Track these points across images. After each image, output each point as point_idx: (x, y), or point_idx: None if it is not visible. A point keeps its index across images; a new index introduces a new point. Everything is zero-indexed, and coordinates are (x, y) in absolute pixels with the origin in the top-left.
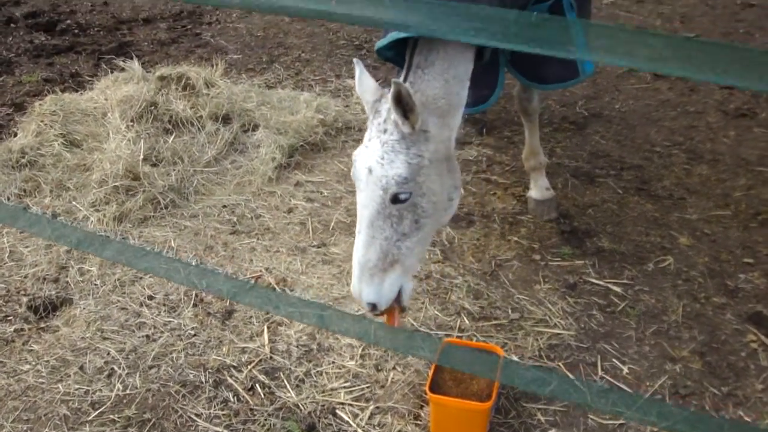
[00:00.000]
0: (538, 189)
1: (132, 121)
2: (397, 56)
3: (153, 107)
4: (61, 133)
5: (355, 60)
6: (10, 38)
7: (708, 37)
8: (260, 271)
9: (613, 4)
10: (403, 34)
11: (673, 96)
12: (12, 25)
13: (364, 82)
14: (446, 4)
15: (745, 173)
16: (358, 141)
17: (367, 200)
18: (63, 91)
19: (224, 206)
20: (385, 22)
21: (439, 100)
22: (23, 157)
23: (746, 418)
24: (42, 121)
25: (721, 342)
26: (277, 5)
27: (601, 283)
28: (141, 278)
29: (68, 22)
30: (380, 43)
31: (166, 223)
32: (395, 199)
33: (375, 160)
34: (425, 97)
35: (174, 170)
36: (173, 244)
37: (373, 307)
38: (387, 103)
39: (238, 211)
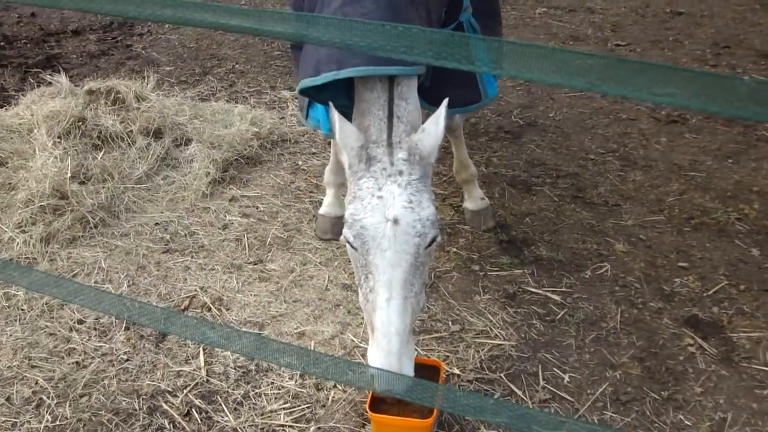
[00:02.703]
0: (473, 200)
1: (59, 137)
2: (323, 92)
3: (81, 123)
4: None
5: (330, 104)
6: None
7: (637, 45)
8: (195, 290)
9: (545, 14)
10: (344, 74)
11: (606, 103)
12: None
13: (345, 129)
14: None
15: (677, 178)
16: (294, 154)
17: (397, 257)
18: None
19: (156, 224)
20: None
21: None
22: None
23: (686, 422)
24: None
25: (659, 347)
26: (207, 21)
27: (540, 291)
28: (70, 301)
29: None
30: (311, 81)
31: (96, 243)
32: (431, 243)
33: (401, 207)
34: (413, 128)
35: (103, 188)
36: (104, 265)
37: None
38: (380, 147)
39: (171, 229)
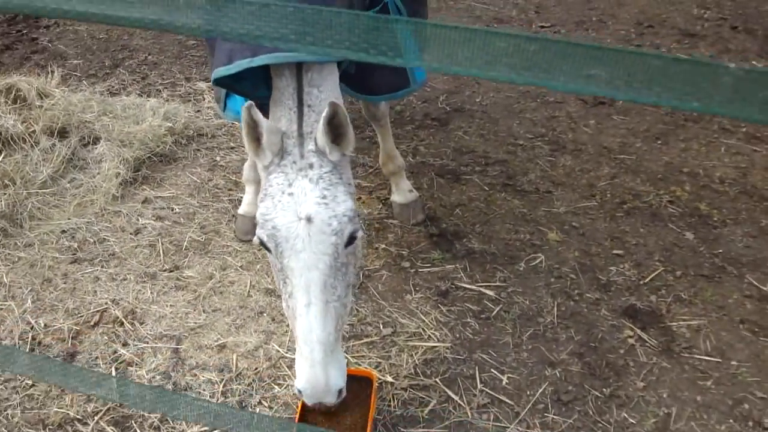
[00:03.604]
0: (401, 192)
1: None
2: (242, 82)
3: None
4: None
5: (250, 103)
6: None
7: (562, 26)
8: (105, 303)
9: None
10: (258, 62)
11: (532, 87)
12: None
13: (267, 126)
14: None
15: (607, 162)
16: (212, 149)
17: (313, 258)
18: None
19: (63, 231)
20: (203, 30)
21: None
22: None
23: (630, 420)
24: None
25: (598, 340)
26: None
27: (473, 287)
28: None
29: None
30: (225, 71)
31: None
32: (350, 241)
33: (314, 204)
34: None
35: (4, 194)
36: (5, 280)
37: (339, 394)
38: (290, 138)
39: (79, 236)
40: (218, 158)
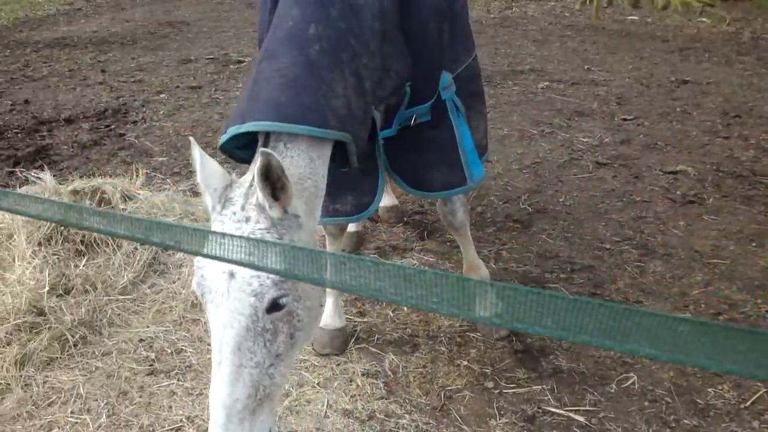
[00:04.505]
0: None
1: (39, 244)
2: (244, 150)
3: (63, 227)
4: None
5: (191, 139)
6: None
7: (645, 118)
8: (180, 421)
9: (548, 88)
10: (244, 129)
11: (617, 185)
12: None
13: (207, 166)
14: None
15: (700, 267)
16: None
17: (230, 316)
18: None
19: (141, 340)
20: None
21: (305, 180)
22: None
23: None
24: None
25: None
26: None
27: (561, 412)
28: None
29: None
30: (222, 139)
31: (75, 365)
32: (273, 306)
33: None
34: (291, 176)
35: (85, 300)
36: (82, 391)
37: None
38: (240, 188)
39: (156, 346)
40: None
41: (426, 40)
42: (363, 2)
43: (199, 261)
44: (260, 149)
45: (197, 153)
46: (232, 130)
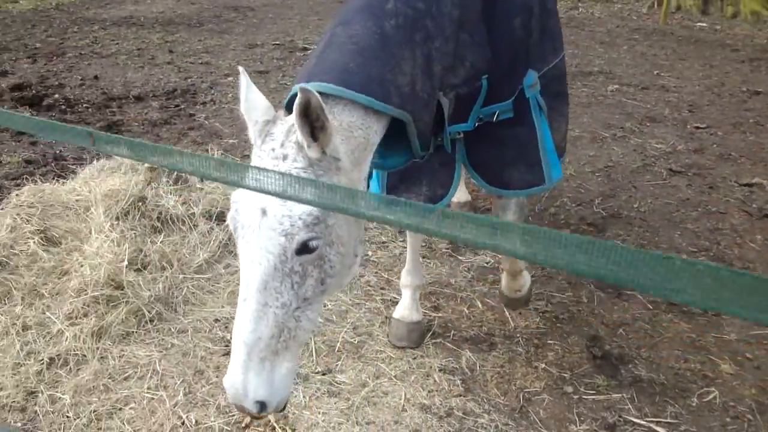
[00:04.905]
0: (509, 289)
1: (117, 218)
2: None
3: (141, 202)
4: (38, 230)
5: (240, 69)
6: None
7: (718, 128)
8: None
9: (618, 91)
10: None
11: (692, 194)
12: None
13: (251, 97)
14: None
15: None
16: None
17: (258, 254)
18: (44, 175)
19: (216, 320)
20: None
21: (356, 129)
22: None
23: None
24: (18, 215)
25: None
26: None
27: (642, 422)
28: (120, 410)
29: (56, 96)
30: (288, 96)
31: (152, 340)
32: (303, 249)
33: (272, 197)
34: (339, 122)
35: (162, 276)
36: (158, 367)
37: (262, 407)
38: (283, 124)
39: (231, 327)
40: (370, 252)
41: (510, 35)
42: None
43: (235, 196)
44: (299, 85)
45: (245, 81)
46: (296, 89)
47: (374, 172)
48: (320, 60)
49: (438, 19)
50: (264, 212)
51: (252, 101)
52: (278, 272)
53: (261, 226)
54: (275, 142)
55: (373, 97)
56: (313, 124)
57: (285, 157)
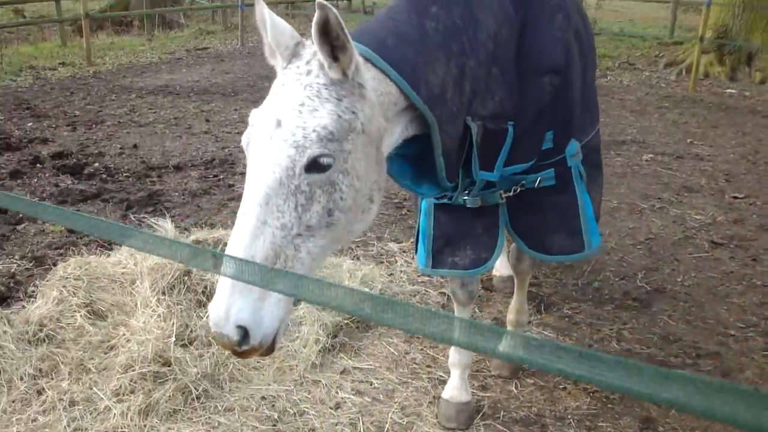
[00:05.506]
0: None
1: (163, 292)
2: None
3: (186, 276)
4: (84, 303)
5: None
6: (35, 180)
7: (757, 197)
8: None
9: (653, 161)
10: None
11: (736, 267)
12: (38, 165)
13: (277, 23)
14: None
15: None
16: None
17: (265, 165)
18: (87, 245)
19: (263, 398)
20: None
21: (384, 96)
22: (41, 330)
23: None
24: (65, 287)
25: None
26: None
27: None
28: None
29: (96, 165)
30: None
31: (198, 418)
32: (313, 165)
33: (289, 108)
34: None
35: (208, 352)
36: None
37: (244, 335)
38: (312, 48)
39: (278, 405)
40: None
41: (537, 90)
42: (482, 18)
43: (252, 114)
44: (318, 1)
45: (265, 12)
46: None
47: (421, 234)
48: (360, 31)
49: (473, 43)
50: (279, 123)
51: (279, 26)
52: (283, 188)
53: (273, 137)
54: (302, 60)
55: (404, 78)
56: (333, 43)
57: (309, 73)
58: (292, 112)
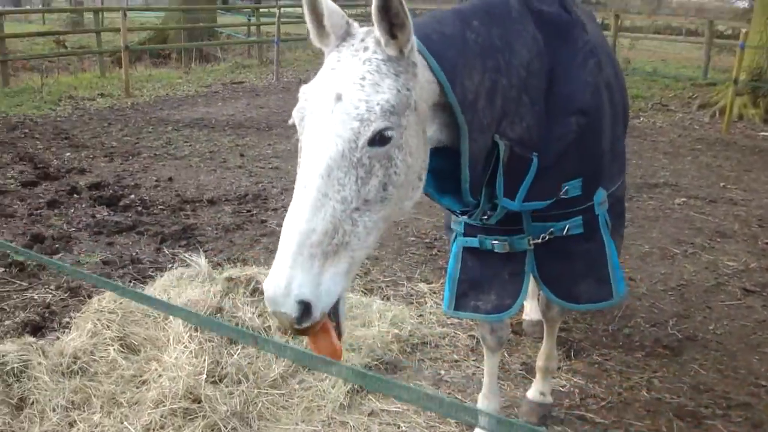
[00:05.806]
0: (537, 391)
1: (195, 329)
2: None
3: (218, 313)
4: (117, 336)
5: None
6: (72, 210)
7: None
8: None
9: (685, 204)
10: None
11: None
12: (75, 195)
13: (329, 4)
14: None
15: None
16: (435, 360)
17: (327, 138)
18: (122, 277)
19: None
20: None
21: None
22: (75, 363)
23: None
24: (99, 320)
25: None
26: None
27: None
28: None
29: (132, 197)
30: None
31: None
32: (376, 138)
33: (350, 82)
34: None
35: (237, 390)
36: None
37: (305, 311)
38: (364, 29)
39: None
40: (443, 372)
41: (563, 129)
42: (518, 48)
43: (304, 88)
44: None
45: None
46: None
47: (448, 276)
48: None
49: (508, 65)
50: (339, 97)
51: (331, 7)
52: (345, 160)
53: (334, 110)
54: (355, 38)
55: (444, 72)
56: (392, 21)
57: (366, 49)
58: (353, 86)
